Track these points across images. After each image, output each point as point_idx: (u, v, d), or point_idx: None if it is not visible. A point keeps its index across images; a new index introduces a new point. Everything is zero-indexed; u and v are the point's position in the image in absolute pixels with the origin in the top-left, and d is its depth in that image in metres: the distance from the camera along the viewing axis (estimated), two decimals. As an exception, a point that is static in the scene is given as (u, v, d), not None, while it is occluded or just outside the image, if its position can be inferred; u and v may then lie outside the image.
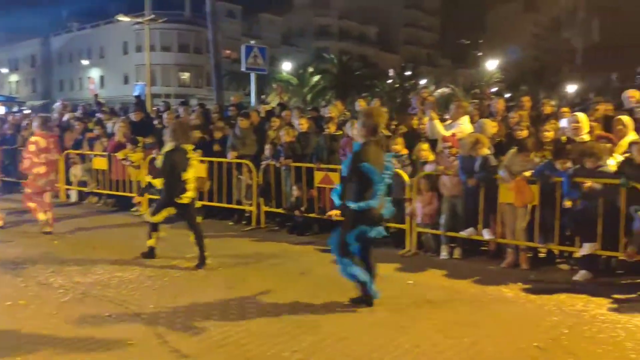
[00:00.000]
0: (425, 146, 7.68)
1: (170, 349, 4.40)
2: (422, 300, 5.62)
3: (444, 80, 48.54)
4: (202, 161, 9.57)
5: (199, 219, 6.93)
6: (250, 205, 9.14)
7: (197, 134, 10.02)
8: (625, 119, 6.72)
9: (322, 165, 8.37)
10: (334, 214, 5.48)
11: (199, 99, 32.49)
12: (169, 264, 6.79)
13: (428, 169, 7.48)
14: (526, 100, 8.99)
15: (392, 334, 4.71)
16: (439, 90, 40.85)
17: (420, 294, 5.82)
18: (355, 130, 8.09)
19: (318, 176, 8.38)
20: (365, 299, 5.27)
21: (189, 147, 6.77)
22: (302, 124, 8.91)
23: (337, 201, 5.18)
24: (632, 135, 6.46)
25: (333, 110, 9.51)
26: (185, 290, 5.86)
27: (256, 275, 6.38)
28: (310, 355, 4.26)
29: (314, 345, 4.45)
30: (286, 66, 43.29)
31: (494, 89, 33.58)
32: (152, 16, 31.15)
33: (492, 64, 46.66)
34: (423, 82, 48.60)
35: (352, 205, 5.03)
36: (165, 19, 35.41)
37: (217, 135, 9.74)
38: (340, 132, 8.59)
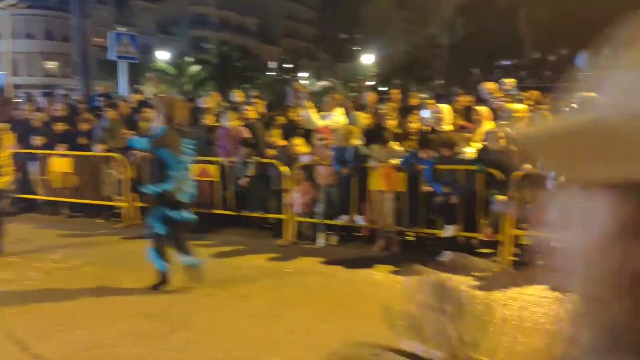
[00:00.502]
0: (299, 141, 7.76)
1: (32, 355, 4.10)
2: (299, 288, 5.72)
3: (324, 73, 49.44)
4: (66, 155, 9.01)
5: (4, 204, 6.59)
6: (122, 201, 8.73)
7: (60, 126, 9.39)
8: (481, 109, 7.28)
9: (199, 157, 8.17)
10: None
11: (67, 90, 30.37)
12: (31, 266, 6.30)
13: (304, 159, 7.60)
14: (395, 93, 9.42)
15: (268, 323, 4.75)
16: (320, 83, 41.53)
17: (297, 282, 5.92)
18: (224, 120, 8.06)
19: (194, 168, 8.16)
20: (161, 283, 5.49)
21: (3, 125, 6.65)
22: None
23: (141, 145, 5.39)
24: (488, 125, 7.00)
25: (209, 101, 9.33)
26: (48, 292, 5.47)
27: (126, 274, 6.09)
28: (181, 352, 4.18)
29: (187, 341, 4.36)
30: (163, 55, 41.71)
31: (370, 83, 34.79)
32: (14, 1, 28.53)
33: (368, 59, 48.25)
34: (304, 75, 49.19)
35: (148, 188, 5.42)
36: (29, 5, 32.63)
37: (83, 127, 9.17)
38: (217, 124, 8.46)
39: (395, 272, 6.24)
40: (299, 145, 7.69)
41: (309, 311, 5.01)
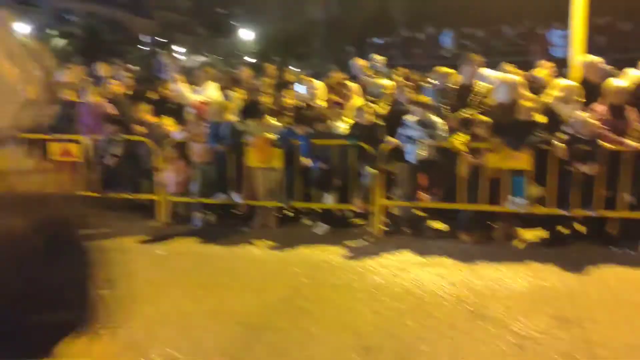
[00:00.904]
0: (168, 121, 7.43)
1: None
2: (173, 269, 5.56)
3: (201, 48, 48.05)
4: None
5: None
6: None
7: None
8: (352, 85, 7.46)
9: (60, 136, 7.58)
10: None
11: None
12: None
13: (177, 136, 7.33)
14: (270, 68, 9.37)
15: (136, 307, 4.54)
16: (197, 59, 40.21)
17: (170, 264, 5.74)
18: (86, 95, 7.55)
19: (54, 148, 7.57)
20: None
21: None
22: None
23: None
24: (358, 100, 7.19)
25: (70, 75, 8.66)
26: None
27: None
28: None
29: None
30: (22, 28, 38.16)
31: (250, 59, 34.37)
32: None
33: (247, 35, 47.53)
34: (180, 49, 47.44)
35: None
36: None
37: None
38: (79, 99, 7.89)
39: (273, 248, 6.27)
40: (169, 125, 7.37)
41: (181, 292, 4.88)
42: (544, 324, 4.25)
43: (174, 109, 7.80)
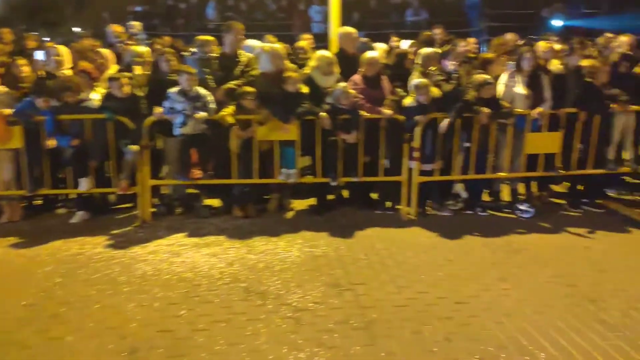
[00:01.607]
0: None
1: None
2: None
3: None
4: None
5: None
6: None
7: None
8: (105, 52, 6.64)
9: None
10: None
11: None
12: None
13: None
14: (5, 33, 7.95)
15: None
16: None
17: None
18: None
19: None
20: None
21: None
22: None
23: None
24: (113, 68, 6.42)
25: None
26: None
27: None
28: None
29: None
30: None
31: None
32: None
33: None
34: None
35: None
36: None
37: None
38: None
39: (18, 245, 5.29)
40: None
41: None
42: (319, 293, 4.25)
43: None
